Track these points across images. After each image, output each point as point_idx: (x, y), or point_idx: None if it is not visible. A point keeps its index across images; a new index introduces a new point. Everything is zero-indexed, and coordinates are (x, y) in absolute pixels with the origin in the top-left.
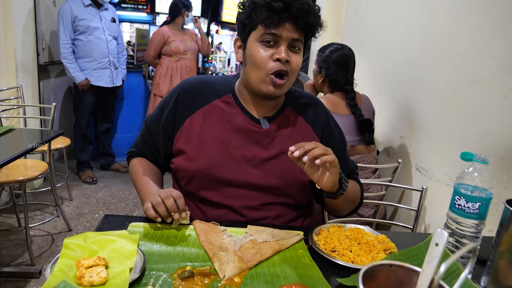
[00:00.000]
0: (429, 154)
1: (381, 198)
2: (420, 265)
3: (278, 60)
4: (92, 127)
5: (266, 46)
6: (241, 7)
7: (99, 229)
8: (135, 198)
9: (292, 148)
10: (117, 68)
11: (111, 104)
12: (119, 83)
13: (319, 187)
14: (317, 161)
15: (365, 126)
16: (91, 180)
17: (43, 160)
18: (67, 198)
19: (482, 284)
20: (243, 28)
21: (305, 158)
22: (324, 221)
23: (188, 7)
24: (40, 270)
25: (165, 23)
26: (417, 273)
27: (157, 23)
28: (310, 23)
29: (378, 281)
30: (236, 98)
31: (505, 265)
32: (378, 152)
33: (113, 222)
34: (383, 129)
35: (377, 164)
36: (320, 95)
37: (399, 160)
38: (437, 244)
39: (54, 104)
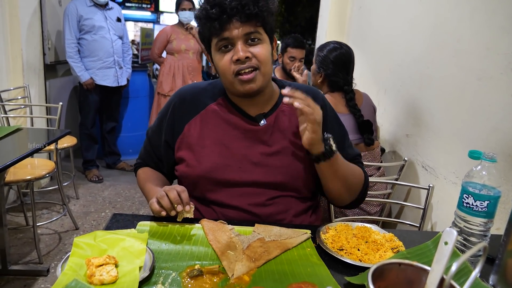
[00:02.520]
0: (436, 152)
1: (387, 196)
2: (428, 264)
3: (238, 60)
4: (97, 126)
5: (225, 52)
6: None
7: (108, 228)
8: (141, 197)
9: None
10: (121, 67)
11: (116, 103)
12: (123, 82)
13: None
14: (296, 104)
15: (364, 127)
16: (97, 179)
17: (50, 159)
18: (74, 197)
19: (490, 282)
20: (203, 42)
21: (285, 99)
22: (331, 220)
23: (178, 4)
24: (48, 268)
25: None
26: (426, 272)
27: (161, 22)
28: (254, 13)
29: (388, 280)
30: (230, 99)
31: None
32: (384, 150)
33: (121, 221)
34: (389, 128)
35: (381, 160)
36: None
37: (405, 158)
38: (446, 243)
39: (61, 103)
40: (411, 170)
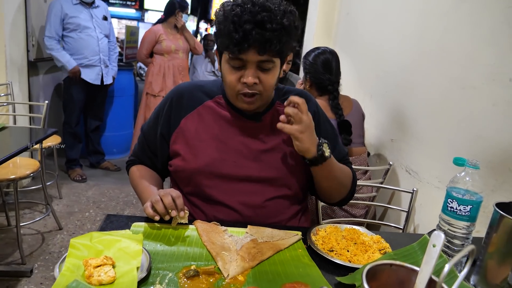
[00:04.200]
0: (419, 157)
1: (372, 199)
2: (415, 264)
3: (245, 83)
4: (81, 124)
5: (234, 69)
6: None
7: (102, 229)
8: (125, 197)
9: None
10: (107, 66)
11: (101, 101)
12: (109, 81)
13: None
14: (281, 118)
15: (343, 127)
16: (80, 178)
17: (32, 157)
18: (57, 196)
19: (471, 282)
20: (216, 45)
21: (282, 117)
22: (318, 222)
23: (183, 8)
24: (32, 269)
25: (158, 21)
26: (416, 273)
27: (145, 20)
28: (273, 49)
29: (380, 280)
30: (227, 99)
31: (494, 265)
32: (369, 154)
33: (115, 222)
34: (374, 132)
35: (368, 165)
36: None
37: (390, 163)
38: (434, 245)
39: (47, 102)
40: (395, 174)
